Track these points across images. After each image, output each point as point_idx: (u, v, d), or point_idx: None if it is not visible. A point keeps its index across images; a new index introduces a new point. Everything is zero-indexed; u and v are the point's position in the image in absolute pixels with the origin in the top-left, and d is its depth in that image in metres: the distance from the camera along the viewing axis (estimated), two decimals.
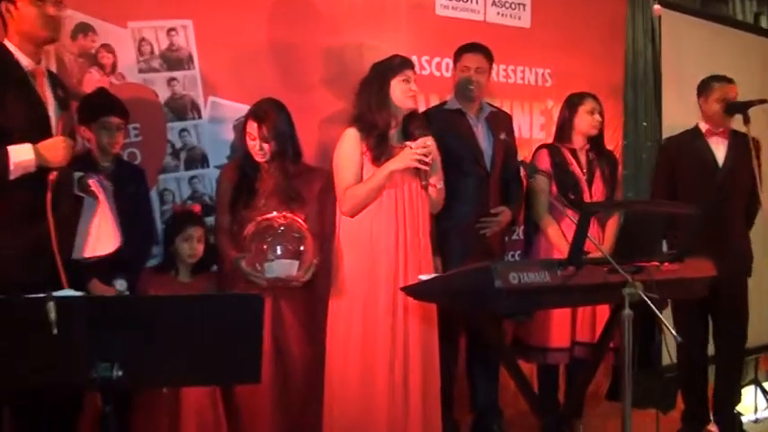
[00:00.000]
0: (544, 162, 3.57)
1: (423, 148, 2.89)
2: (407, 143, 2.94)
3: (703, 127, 3.74)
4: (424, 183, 2.97)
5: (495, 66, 3.80)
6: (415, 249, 2.97)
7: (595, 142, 3.64)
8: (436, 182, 3.01)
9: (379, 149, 2.95)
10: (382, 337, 2.91)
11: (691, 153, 3.70)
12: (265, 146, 3.01)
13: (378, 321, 2.91)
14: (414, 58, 3.58)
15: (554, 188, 3.54)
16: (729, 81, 3.71)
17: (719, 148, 3.70)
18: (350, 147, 2.98)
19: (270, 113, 3.01)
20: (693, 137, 3.75)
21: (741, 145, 3.65)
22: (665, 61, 4.75)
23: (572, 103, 3.63)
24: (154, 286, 2.98)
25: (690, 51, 4.85)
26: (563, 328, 3.48)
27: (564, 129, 3.63)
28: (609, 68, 4.50)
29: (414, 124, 3.02)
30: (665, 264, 2.64)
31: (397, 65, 2.98)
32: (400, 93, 2.97)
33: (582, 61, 4.32)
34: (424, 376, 2.96)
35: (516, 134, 3.82)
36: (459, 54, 3.56)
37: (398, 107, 2.99)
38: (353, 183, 2.96)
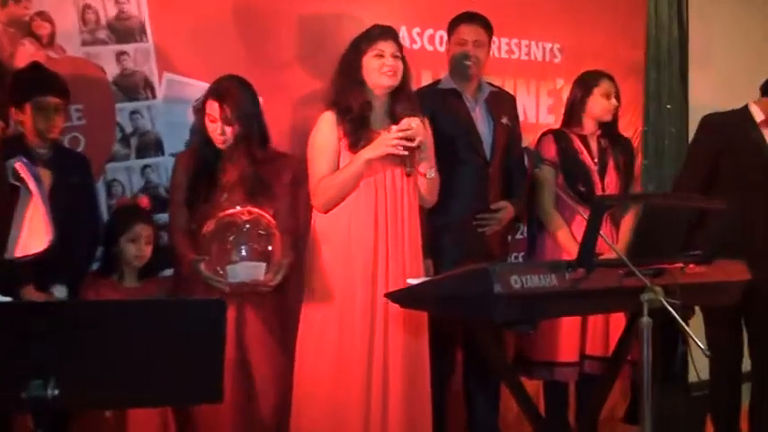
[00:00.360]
0: (550, 150, 3.57)
1: (405, 130, 2.86)
2: (393, 127, 2.91)
3: (758, 115, 3.70)
4: (407, 170, 2.94)
5: (495, 39, 3.79)
6: (398, 249, 2.95)
7: (609, 127, 3.64)
8: (426, 170, 2.98)
9: (356, 135, 2.93)
10: (359, 349, 2.89)
11: (741, 136, 3.68)
12: (228, 129, 2.99)
13: (354, 331, 2.90)
14: (402, 30, 3.57)
15: (561, 180, 3.53)
16: None
17: None
18: (325, 133, 2.96)
19: (233, 91, 2.99)
20: (744, 120, 3.73)
21: None
22: (692, 37, 4.76)
23: (586, 83, 3.62)
24: (94, 292, 2.95)
25: (721, 26, 4.87)
26: (571, 339, 3.47)
27: (574, 112, 3.63)
28: (628, 44, 4.51)
29: (401, 104, 3.01)
30: (691, 265, 2.63)
31: (371, 37, 2.96)
32: (372, 70, 2.95)
33: (597, 35, 4.32)
34: (409, 394, 2.94)
35: (521, 118, 3.81)
36: (453, 25, 3.54)
37: (375, 86, 2.96)
38: (328, 174, 2.94)
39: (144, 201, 3.15)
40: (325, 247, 2.97)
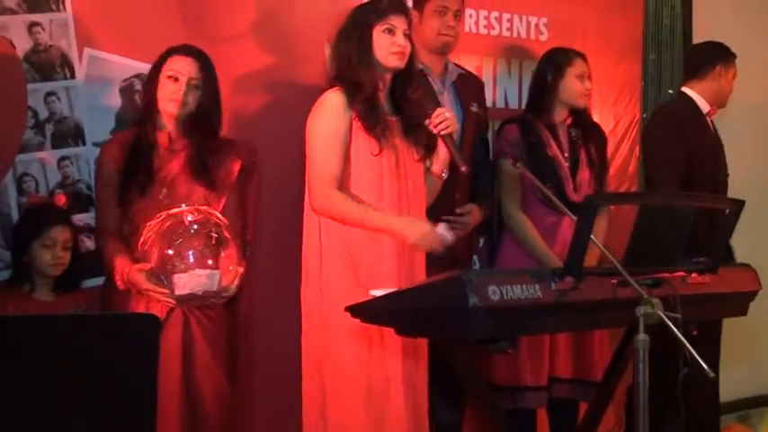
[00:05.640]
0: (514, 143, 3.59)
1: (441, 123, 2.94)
2: (441, 228, 2.92)
3: (704, 106, 4.00)
4: (463, 167, 2.98)
5: (472, 12, 3.87)
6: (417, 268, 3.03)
7: (580, 115, 3.68)
8: (440, 170, 3.10)
9: (372, 118, 2.93)
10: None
11: (698, 133, 3.91)
12: (190, 96, 2.98)
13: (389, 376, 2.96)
14: None
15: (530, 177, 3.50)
16: None
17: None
18: (334, 118, 2.94)
19: (204, 57, 3.01)
20: (693, 112, 3.95)
21: None
22: (697, 12, 4.83)
23: (557, 63, 3.64)
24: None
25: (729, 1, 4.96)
26: (539, 359, 3.49)
27: (542, 97, 3.64)
28: (624, 19, 4.58)
29: (411, 87, 3.03)
30: (693, 275, 2.68)
31: (381, 8, 2.97)
32: (381, 46, 2.96)
33: (589, 8, 4.40)
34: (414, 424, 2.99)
35: (501, 104, 3.85)
36: None
37: (383, 66, 2.98)
38: (337, 170, 2.92)
39: (61, 198, 3.12)
40: (333, 263, 2.98)
